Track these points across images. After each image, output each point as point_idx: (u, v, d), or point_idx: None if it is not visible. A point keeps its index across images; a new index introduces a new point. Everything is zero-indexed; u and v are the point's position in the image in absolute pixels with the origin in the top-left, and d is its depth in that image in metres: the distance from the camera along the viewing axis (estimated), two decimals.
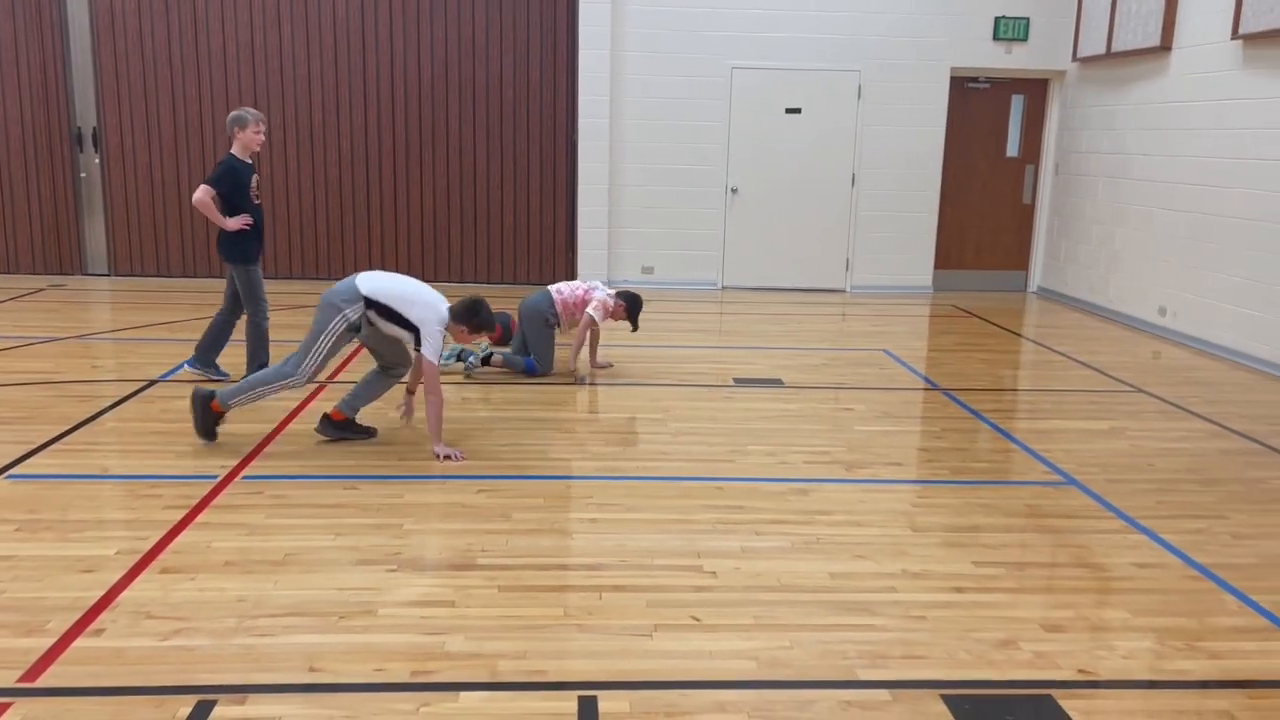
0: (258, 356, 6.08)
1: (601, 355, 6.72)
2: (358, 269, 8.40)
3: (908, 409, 6.03)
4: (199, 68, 9.56)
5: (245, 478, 4.43)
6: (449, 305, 4.80)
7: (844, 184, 10.12)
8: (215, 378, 6.09)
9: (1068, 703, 2.84)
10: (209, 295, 8.99)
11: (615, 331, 8.45)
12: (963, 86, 10.12)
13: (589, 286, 6.45)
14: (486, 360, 6.45)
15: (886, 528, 4.11)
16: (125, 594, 3.31)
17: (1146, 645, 3.18)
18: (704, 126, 9.90)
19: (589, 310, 6.29)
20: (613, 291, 6.49)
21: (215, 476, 4.41)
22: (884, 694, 2.87)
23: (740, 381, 6.48)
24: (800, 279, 10.31)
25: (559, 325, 6.40)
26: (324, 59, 9.63)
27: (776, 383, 6.46)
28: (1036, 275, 10.56)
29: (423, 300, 4.73)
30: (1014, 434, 5.49)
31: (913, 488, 4.68)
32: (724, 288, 10.25)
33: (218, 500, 4.15)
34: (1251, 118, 7.30)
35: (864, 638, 3.19)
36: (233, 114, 5.88)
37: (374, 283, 4.76)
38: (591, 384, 6.34)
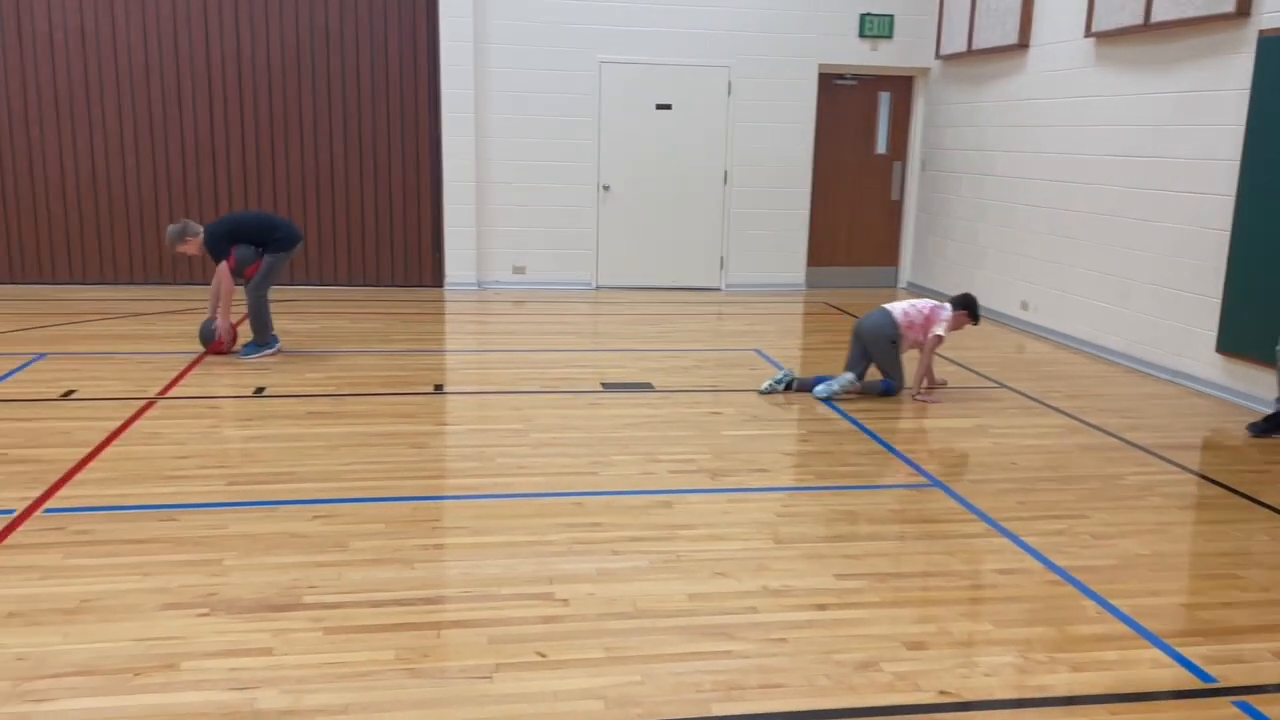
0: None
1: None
2: (205, 273, 7.89)
3: (776, 411, 5.89)
4: (22, 56, 8.79)
5: (47, 511, 3.97)
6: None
7: (717, 181, 10.01)
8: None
9: None
10: (38, 304, 8.29)
11: (487, 335, 8.15)
12: (831, 83, 10.13)
13: (931, 304, 6.13)
14: (789, 385, 6.14)
15: (749, 541, 3.93)
16: None
17: (1009, 660, 3.07)
18: (574, 122, 9.64)
19: (938, 330, 5.99)
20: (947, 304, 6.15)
21: (11, 512, 3.93)
22: None
23: (608, 386, 6.25)
24: (675, 278, 10.16)
25: (900, 344, 6.09)
26: (163, 48, 8.98)
27: (646, 387, 6.26)
28: (906, 271, 10.67)
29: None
30: (881, 435, 5.41)
31: (778, 496, 4.52)
32: (598, 287, 10.02)
33: (10, 539, 3.69)
34: (1103, 114, 7.45)
35: (721, 666, 2.99)
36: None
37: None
38: (451, 393, 6.02)
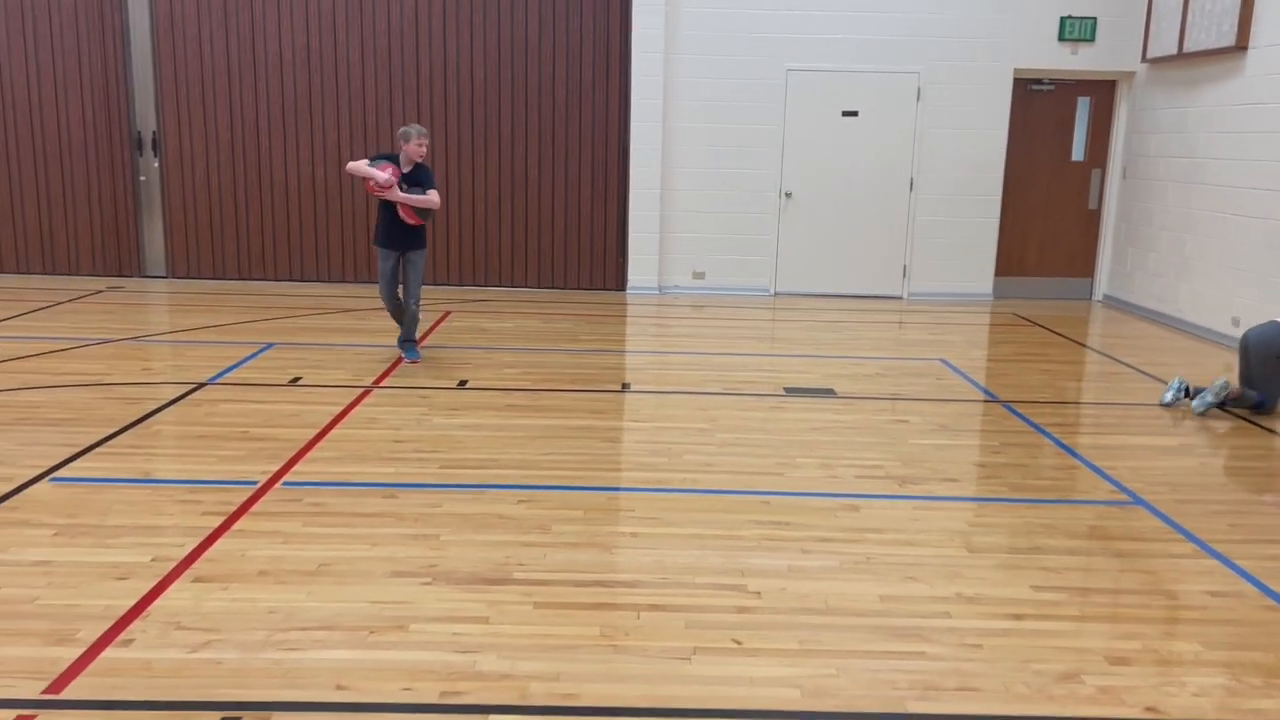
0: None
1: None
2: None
3: (965, 422, 5.81)
4: (255, 73, 9.64)
5: (285, 484, 4.39)
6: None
7: (902, 188, 9.88)
8: (408, 358, 6.73)
9: None
10: (264, 298, 9.07)
11: (664, 337, 8.36)
12: (1026, 88, 9.83)
13: None
14: (1185, 392, 6.06)
15: (940, 548, 3.93)
16: (157, 603, 3.27)
17: (1220, 682, 2.97)
18: (758, 130, 9.74)
19: None
20: None
21: (255, 483, 4.38)
22: None
23: (791, 391, 6.31)
24: (855, 285, 10.09)
25: None
26: (378, 63, 9.66)
27: (828, 393, 6.29)
28: (1102, 283, 10.21)
29: None
30: (1077, 450, 5.26)
31: (969, 505, 4.48)
32: (776, 294, 10.07)
33: (256, 507, 4.11)
34: None
35: (915, 666, 3.03)
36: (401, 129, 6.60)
37: None
38: (637, 391, 6.23)
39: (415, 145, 6.45)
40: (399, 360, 6.68)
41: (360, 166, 6.34)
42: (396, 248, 6.59)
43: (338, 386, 6.04)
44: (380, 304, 7.03)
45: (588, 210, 9.99)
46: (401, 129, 6.60)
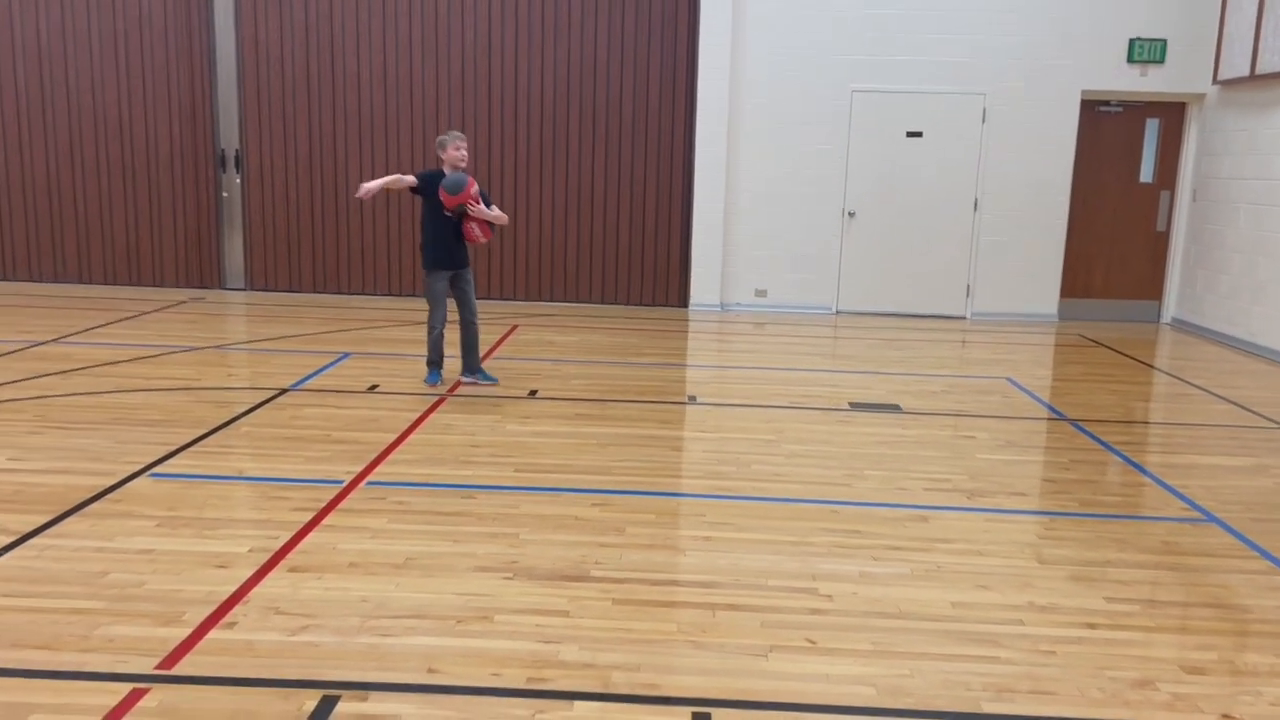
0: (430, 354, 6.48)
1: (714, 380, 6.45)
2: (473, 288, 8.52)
3: (1033, 438, 5.82)
4: (334, 94, 9.98)
5: (369, 484, 4.56)
6: None
7: (966, 208, 9.89)
8: (484, 382, 6.54)
9: None
10: (339, 310, 9.35)
11: (727, 352, 8.45)
12: (1094, 110, 9.79)
13: None
14: None
15: (1011, 558, 3.96)
16: (256, 590, 3.44)
17: None
18: (822, 150, 9.82)
19: None
20: None
21: (341, 482, 4.55)
22: None
23: (856, 406, 6.36)
24: (918, 305, 10.10)
25: None
26: (451, 84, 9.94)
27: (894, 408, 6.33)
28: (1170, 306, 10.09)
29: None
30: (1147, 467, 5.24)
31: (1038, 519, 4.50)
32: (839, 312, 10.11)
33: (343, 504, 4.28)
34: None
35: (989, 670, 3.08)
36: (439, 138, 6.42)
37: None
38: (703, 404, 6.33)
39: (454, 150, 6.22)
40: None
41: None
42: (454, 266, 6.44)
43: (413, 394, 6.23)
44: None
45: (652, 227, 10.15)
46: (439, 138, 6.36)
